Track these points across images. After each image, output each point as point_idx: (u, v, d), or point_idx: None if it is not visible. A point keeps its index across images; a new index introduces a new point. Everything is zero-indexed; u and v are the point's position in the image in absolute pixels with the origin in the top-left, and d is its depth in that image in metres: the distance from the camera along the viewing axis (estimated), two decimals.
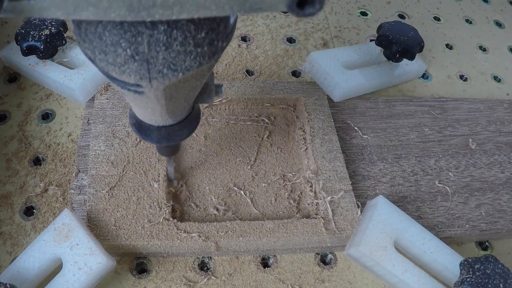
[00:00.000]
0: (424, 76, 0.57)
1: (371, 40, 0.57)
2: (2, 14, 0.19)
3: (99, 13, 0.19)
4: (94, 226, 0.36)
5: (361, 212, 0.40)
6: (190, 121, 0.32)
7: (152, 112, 0.28)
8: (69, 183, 0.41)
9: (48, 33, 0.44)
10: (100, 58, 0.23)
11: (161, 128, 0.31)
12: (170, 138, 0.31)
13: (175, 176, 0.40)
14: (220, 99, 0.46)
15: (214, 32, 0.23)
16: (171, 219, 0.38)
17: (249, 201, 0.41)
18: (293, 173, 0.43)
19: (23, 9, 0.19)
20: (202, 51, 0.23)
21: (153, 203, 0.38)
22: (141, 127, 0.31)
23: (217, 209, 0.40)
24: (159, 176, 0.39)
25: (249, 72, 0.53)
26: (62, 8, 0.19)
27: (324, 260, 0.40)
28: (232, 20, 0.25)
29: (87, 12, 0.19)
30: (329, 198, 0.40)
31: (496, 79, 0.59)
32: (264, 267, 0.39)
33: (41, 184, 0.41)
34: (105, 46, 0.22)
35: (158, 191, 0.39)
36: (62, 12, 0.19)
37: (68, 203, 0.40)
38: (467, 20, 0.67)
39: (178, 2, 0.19)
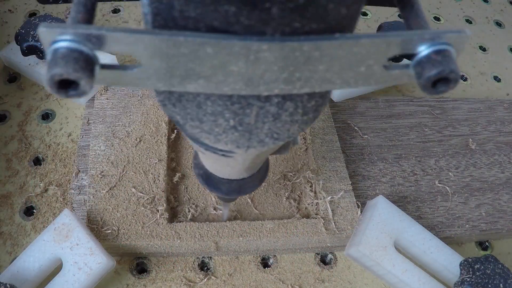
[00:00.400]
0: None
1: None
2: (93, 84, 0.16)
3: (209, 86, 0.17)
4: (94, 226, 0.36)
5: (361, 212, 0.40)
6: (262, 172, 0.31)
7: (231, 169, 0.27)
8: (69, 183, 0.41)
9: None
10: (193, 125, 0.21)
11: (233, 181, 0.29)
12: (241, 191, 0.30)
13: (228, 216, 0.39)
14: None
15: (322, 98, 0.21)
16: (171, 219, 0.38)
17: (249, 201, 0.41)
18: (293, 173, 0.43)
19: (118, 80, 0.17)
20: (307, 118, 0.21)
21: (153, 203, 0.38)
22: (209, 179, 0.30)
23: (217, 209, 0.40)
24: (159, 176, 0.39)
25: None
26: (165, 80, 0.17)
27: (324, 260, 0.40)
28: None
29: (196, 85, 0.17)
30: (329, 198, 0.40)
31: (496, 79, 0.59)
32: (264, 267, 0.39)
33: (41, 184, 0.41)
34: (203, 115, 0.20)
35: (158, 191, 0.38)
36: (164, 84, 0.17)
37: (68, 203, 0.40)
38: (467, 20, 0.67)
39: (303, 77, 0.17)
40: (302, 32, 0.16)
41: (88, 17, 0.18)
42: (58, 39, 0.15)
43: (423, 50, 0.17)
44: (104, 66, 0.16)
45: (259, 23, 0.15)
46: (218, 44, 0.15)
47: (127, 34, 0.15)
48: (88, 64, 0.15)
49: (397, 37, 0.16)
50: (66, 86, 0.15)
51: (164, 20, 0.17)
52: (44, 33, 0.15)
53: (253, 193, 0.41)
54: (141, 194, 0.38)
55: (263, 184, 0.42)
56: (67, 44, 0.15)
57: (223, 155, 0.24)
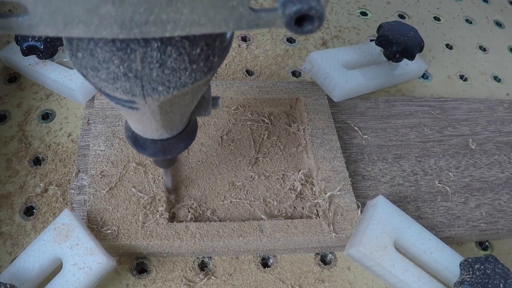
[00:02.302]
0: (424, 76, 0.57)
1: (371, 40, 0.57)
2: None
3: (89, 30, 0.18)
4: (94, 226, 0.36)
5: (361, 212, 0.40)
6: (187, 134, 0.31)
7: (148, 126, 0.28)
8: (69, 183, 0.41)
9: None
10: (92, 74, 0.22)
11: (157, 142, 0.30)
12: (166, 152, 0.31)
13: (172, 186, 0.40)
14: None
15: (210, 48, 0.22)
16: (171, 219, 0.38)
17: (249, 201, 0.41)
18: (293, 173, 0.43)
19: (11, 26, 0.18)
20: (197, 67, 0.22)
21: (153, 203, 0.38)
22: (136, 141, 0.31)
23: (217, 209, 0.40)
24: (159, 176, 0.39)
25: (249, 72, 0.53)
26: (51, 25, 0.18)
27: (324, 260, 0.40)
28: (228, 35, 0.24)
29: (78, 29, 0.18)
30: (329, 198, 0.40)
31: (496, 79, 0.59)
32: (264, 267, 0.39)
33: (41, 184, 0.41)
34: (97, 63, 0.21)
35: (158, 191, 0.38)
36: (52, 29, 0.19)
37: (68, 203, 0.40)
38: (467, 20, 0.67)
39: (171, 19, 0.18)
40: None
41: None
42: None
43: None
44: None
45: None
46: None
47: None
48: None
49: None
50: None
51: None
52: None
53: (253, 193, 0.41)
54: (141, 194, 0.38)
55: (263, 184, 0.42)
56: None
57: (129, 107, 0.25)
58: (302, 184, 0.42)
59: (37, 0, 0.17)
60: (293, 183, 0.42)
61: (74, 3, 0.17)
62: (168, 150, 0.31)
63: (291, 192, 0.42)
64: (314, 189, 0.41)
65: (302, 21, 0.18)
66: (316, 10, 0.17)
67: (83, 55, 0.22)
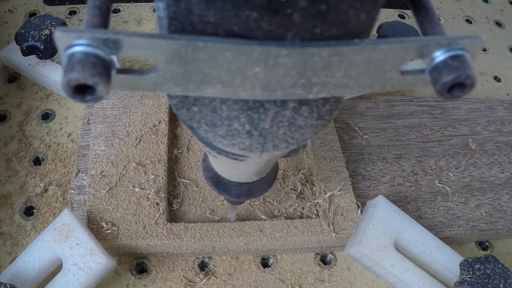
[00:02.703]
0: None
1: None
2: (110, 89, 0.16)
3: (226, 91, 0.17)
4: (94, 226, 0.36)
5: (361, 212, 0.40)
6: (271, 175, 0.30)
7: (242, 173, 0.27)
8: (69, 183, 0.41)
9: (48, 33, 0.44)
10: (207, 129, 0.21)
11: (243, 185, 0.29)
12: (250, 194, 0.30)
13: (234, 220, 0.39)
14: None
15: (336, 103, 0.21)
16: (171, 219, 0.38)
17: (248, 201, 0.41)
18: (293, 173, 0.43)
19: (134, 85, 0.17)
20: (321, 122, 0.21)
21: (153, 203, 0.38)
22: (219, 182, 0.30)
23: (217, 209, 0.40)
24: (159, 176, 0.39)
25: None
26: (182, 85, 0.17)
27: (324, 260, 0.40)
28: None
29: (213, 90, 0.17)
30: (329, 198, 0.40)
31: (496, 79, 0.59)
32: (264, 267, 0.39)
33: (41, 184, 0.41)
34: (218, 120, 0.20)
35: (158, 191, 0.38)
36: (181, 88, 0.17)
37: (68, 203, 0.40)
38: (467, 20, 0.67)
39: (320, 82, 0.17)
40: (321, 38, 0.16)
41: (104, 21, 0.17)
42: (75, 43, 0.15)
43: (439, 56, 0.17)
44: (121, 71, 0.16)
45: (280, 29, 0.15)
46: (237, 50, 0.15)
47: (145, 38, 0.15)
48: (105, 69, 0.15)
49: (414, 43, 0.16)
50: (82, 91, 0.15)
51: (181, 24, 0.16)
52: (60, 37, 0.15)
53: None
54: (141, 194, 0.38)
55: None
56: (83, 48, 0.15)
57: (235, 159, 0.24)
58: (302, 184, 0.42)
59: (171, 59, 0.16)
60: (293, 183, 0.42)
61: (217, 65, 0.16)
62: (253, 192, 0.30)
63: (291, 192, 0.42)
64: (314, 189, 0.41)
65: (453, 88, 0.17)
66: (471, 79, 0.16)
67: (201, 110, 0.20)
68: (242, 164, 0.25)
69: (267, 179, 0.30)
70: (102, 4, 0.18)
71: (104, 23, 0.17)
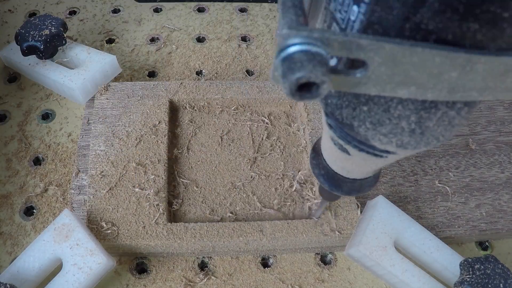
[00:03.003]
0: None
1: None
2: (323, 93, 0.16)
3: (418, 92, 0.18)
4: (94, 226, 0.36)
5: (361, 212, 0.40)
6: (379, 172, 0.30)
7: (365, 169, 0.27)
8: (69, 183, 0.41)
9: (48, 33, 0.44)
10: (369, 127, 0.21)
11: (356, 181, 0.29)
12: (361, 190, 0.30)
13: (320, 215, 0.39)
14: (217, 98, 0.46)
15: (477, 103, 0.22)
16: (171, 219, 0.38)
17: (248, 201, 0.41)
18: (293, 173, 0.43)
19: (338, 83, 0.17)
20: (464, 122, 0.22)
21: (153, 203, 0.38)
22: (332, 179, 0.29)
23: (217, 209, 0.40)
24: (159, 176, 0.39)
25: (249, 72, 0.53)
26: (381, 85, 0.17)
27: (324, 260, 0.40)
28: None
29: (406, 91, 0.18)
30: None
31: None
32: (264, 267, 0.39)
33: (41, 184, 0.41)
34: (386, 118, 0.20)
35: (158, 191, 0.38)
36: (378, 89, 0.18)
37: (68, 203, 0.40)
38: None
39: (493, 86, 0.18)
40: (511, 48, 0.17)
41: (306, 20, 0.18)
42: (296, 42, 0.15)
43: None
44: (332, 70, 0.17)
45: (488, 39, 0.16)
46: (447, 55, 0.16)
47: (372, 41, 0.16)
48: (328, 67, 0.15)
49: None
50: (301, 89, 0.16)
51: (384, 29, 0.17)
52: (285, 35, 0.15)
53: (252, 193, 0.41)
54: (141, 194, 0.38)
55: (263, 184, 0.42)
56: (307, 47, 0.15)
57: (378, 155, 0.24)
58: (302, 184, 0.42)
59: (385, 61, 0.16)
60: (293, 183, 0.42)
61: (423, 68, 0.17)
62: (364, 188, 0.30)
63: (291, 192, 0.42)
64: (314, 189, 0.41)
65: None
66: None
67: (372, 109, 0.21)
68: (378, 161, 0.25)
69: (377, 174, 0.30)
70: (301, 3, 0.18)
71: (306, 22, 0.18)
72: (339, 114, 0.22)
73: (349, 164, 0.27)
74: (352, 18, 0.18)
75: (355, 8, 0.18)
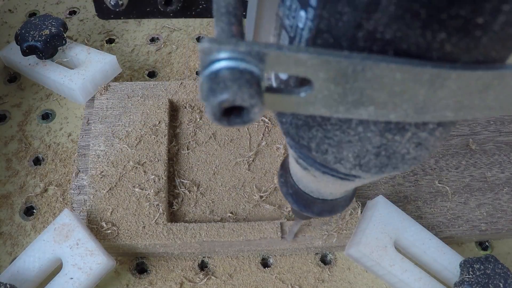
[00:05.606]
0: None
1: None
2: (264, 109, 0.14)
3: (377, 113, 0.15)
4: (94, 226, 0.36)
5: (361, 212, 0.40)
6: (353, 191, 0.28)
7: (336, 191, 0.25)
8: (69, 183, 0.41)
9: (48, 33, 0.44)
10: (327, 150, 0.19)
11: (327, 201, 0.27)
12: (332, 211, 0.28)
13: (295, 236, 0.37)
14: None
15: (453, 124, 0.19)
16: (171, 219, 0.38)
17: (248, 201, 0.41)
18: None
19: (278, 104, 0.15)
20: (439, 144, 0.19)
21: (153, 203, 0.38)
22: (301, 200, 0.27)
23: (217, 209, 0.40)
24: (159, 176, 0.39)
25: None
26: (333, 106, 0.15)
27: (324, 260, 0.40)
28: None
29: (364, 111, 0.15)
30: None
31: None
32: (264, 267, 0.39)
33: (41, 184, 0.41)
34: (346, 142, 0.18)
35: (158, 191, 0.38)
36: (329, 110, 0.15)
37: (68, 203, 0.40)
38: None
39: (470, 105, 0.15)
40: (490, 61, 0.15)
41: (242, 29, 0.15)
42: (221, 57, 0.13)
43: None
44: (269, 89, 0.14)
45: (459, 51, 0.14)
46: (409, 71, 0.14)
47: (312, 55, 0.13)
48: (260, 88, 0.13)
49: None
50: (229, 112, 0.13)
51: (334, 39, 0.15)
52: (206, 50, 0.13)
53: (252, 192, 0.41)
54: (141, 194, 0.38)
55: (263, 184, 0.42)
56: (233, 63, 0.13)
57: (344, 179, 0.21)
58: None
59: (333, 78, 0.14)
60: None
61: (381, 86, 0.14)
62: (336, 208, 0.28)
63: None
64: None
65: None
66: None
67: (329, 130, 0.18)
68: (347, 184, 0.22)
69: (350, 194, 0.28)
70: (237, 10, 0.16)
71: (242, 32, 0.15)
72: (295, 134, 0.19)
73: (316, 185, 0.25)
74: (300, 25, 0.16)
75: (302, 13, 0.15)
